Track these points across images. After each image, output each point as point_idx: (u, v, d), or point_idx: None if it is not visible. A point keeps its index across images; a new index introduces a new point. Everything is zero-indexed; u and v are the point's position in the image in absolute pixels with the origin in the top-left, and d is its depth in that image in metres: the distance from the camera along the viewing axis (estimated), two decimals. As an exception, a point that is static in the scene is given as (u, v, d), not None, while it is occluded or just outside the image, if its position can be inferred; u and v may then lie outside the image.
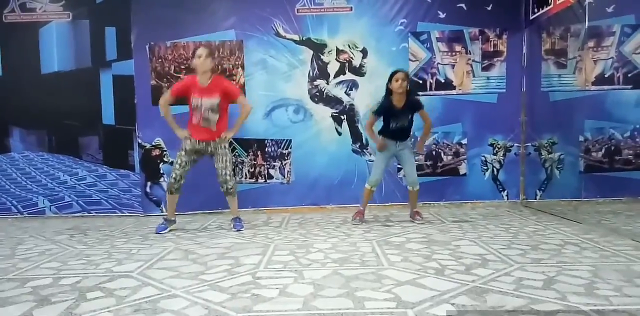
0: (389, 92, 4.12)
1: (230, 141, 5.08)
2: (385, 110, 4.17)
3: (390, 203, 5.14)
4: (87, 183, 5.19)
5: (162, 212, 5.07)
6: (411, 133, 4.32)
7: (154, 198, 5.17)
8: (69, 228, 4.47)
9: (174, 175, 4.02)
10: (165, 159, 5.13)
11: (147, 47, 5.03)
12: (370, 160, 5.16)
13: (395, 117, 4.14)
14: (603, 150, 5.09)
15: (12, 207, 5.18)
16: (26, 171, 5.20)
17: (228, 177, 4.03)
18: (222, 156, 4.01)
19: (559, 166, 5.16)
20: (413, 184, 4.27)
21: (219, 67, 5.05)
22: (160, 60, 5.04)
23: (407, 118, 4.17)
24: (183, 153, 4.02)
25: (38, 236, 4.07)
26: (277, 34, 5.07)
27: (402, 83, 4.03)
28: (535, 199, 5.21)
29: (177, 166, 4.01)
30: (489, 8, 5.05)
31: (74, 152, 5.19)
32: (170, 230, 4.13)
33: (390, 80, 4.09)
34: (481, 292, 2.20)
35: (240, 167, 5.21)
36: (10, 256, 3.28)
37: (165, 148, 5.10)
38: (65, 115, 5.12)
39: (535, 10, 4.81)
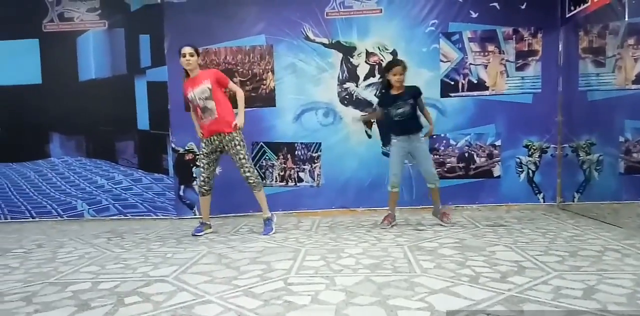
0: (387, 83, 4.19)
1: (260, 144, 5.16)
2: (384, 97, 4.25)
3: (421, 206, 5.08)
4: (123, 187, 5.32)
5: (195, 214, 5.15)
6: (421, 126, 4.21)
7: (187, 202, 5.26)
8: (107, 231, 4.59)
9: (201, 178, 4.14)
10: (197, 163, 5.21)
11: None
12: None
13: (396, 105, 4.12)
14: (644, 151, 4.90)
15: (52, 210, 5.35)
16: (65, 175, 5.37)
17: (248, 173, 4.04)
18: (234, 155, 4.03)
19: (598, 167, 5.00)
20: (433, 180, 4.19)
21: (250, 71, 5.10)
22: (192, 65, 5.12)
23: (407, 104, 4.11)
24: (202, 156, 4.13)
25: (77, 239, 4.20)
26: (307, 38, 5.08)
27: (400, 78, 4.08)
28: (573, 202, 5.06)
29: (202, 169, 4.12)
30: (523, 7, 4.93)
31: (111, 156, 5.33)
32: (206, 234, 4.21)
33: (387, 71, 4.12)
34: (518, 302, 2.15)
35: (270, 170, 5.24)
36: (52, 259, 3.39)
37: (198, 152, 5.18)
38: (102, 121, 5.27)
39: (572, 8, 4.68)
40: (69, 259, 3.38)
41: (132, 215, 5.30)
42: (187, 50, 3.98)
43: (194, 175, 5.22)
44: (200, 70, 4.07)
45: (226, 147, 4.03)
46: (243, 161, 4.02)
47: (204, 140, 4.09)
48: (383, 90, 4.34)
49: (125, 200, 5.31)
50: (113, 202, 5.32)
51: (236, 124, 3.99)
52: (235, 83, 4.98)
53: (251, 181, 4.06)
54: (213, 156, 4.10)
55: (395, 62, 4.19)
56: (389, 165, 4.28)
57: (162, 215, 5.27)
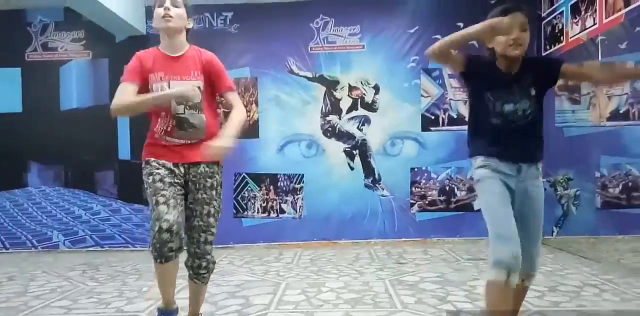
0: (492, 54, 2.08)
1: (243, 175, 5.14)
2: (480, 67, 2.08)
3: (403, 239, 5.07)
4: (101, 218, 5.22)
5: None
6: (543, 148, 2.15)
7: (167, 233, 5.17)
8: (82, 263, 4.48)
9: (164, 225, 2.10)
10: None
11: (163, 84, 5.14)
12: (383, 195, 5.14)
13: (502, 93, 2.03)
14: (620, 186, 5.00)
15: (26, 241, 5.21)
16: (42, 205, 5.25)
17: (209, 246, 2.30)
18: (201, 204, 2.28)
19: (576, 202, 5.08)
20: (530, 269, 2.06)
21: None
22: (176, 96, 5.15)
23: (528, 95, 2.03)
24: (158, 184, 2.22)
25: (51, 271, 4.08)
26: (291, 71, 5.16)
27: (523, 36, 1.98)
28: (552, 236, 5.11)
29: (161, 207, 2.14)
30: (500, 45, 5.10)
31: (90, 186, 5.25)
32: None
33: (493, 29, 1.87)
34: (497, 339, 2.13)
35: (252, 201, 5.21)
36: (22, 293, 3.28)
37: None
38: (83, 150, 5.21)
39: (548, 47, 4.86)
40: (41, 293, 3.28)
41: (109, 247, 5.18)
42: None
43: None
44: (190, 46, 2.35)
45: (195, 186, 2.26)
46: (212, 219, 2.28)
47: (159, 163, 2.23)
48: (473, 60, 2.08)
49: (103, 231, 5.20)
50: (90, 233, 5.21)
51: (221, 146, 2.13)
52: (218, 113, 4.98)
53: (209, 265, 2.33)
54: (177, 188, 2.24)
55: (515, 7, 2.00)
56: (488, 217, 1.99)
57: (140, 247, 5.16)
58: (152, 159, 2.23)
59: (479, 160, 2.05)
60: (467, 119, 2.20)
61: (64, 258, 4.79)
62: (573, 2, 4.15)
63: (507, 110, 2.01)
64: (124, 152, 5.19)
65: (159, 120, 2.22)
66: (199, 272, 2.30)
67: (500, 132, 2.02)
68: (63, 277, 3.82)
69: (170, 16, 2.17)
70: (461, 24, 4.99)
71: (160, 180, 2.18)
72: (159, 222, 2.08)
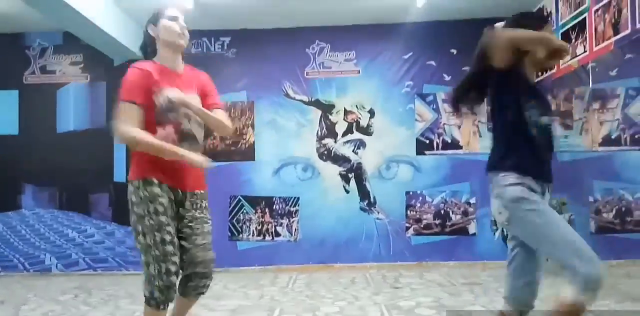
0: (519, 57, 1.89)
1: (238, 198, 5.14)
2: (514, 80, 1.90)
3: (398, 263, 5.05)
4: (95, 240, 5.18)
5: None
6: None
7: (161, 256, 5.13)
8: (74, 286, 4.42)
9: (172, 268, 2.02)
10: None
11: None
12: (378, 218, 5.14)
13: (539, 103, 1.94)
14: (614, 211, 5.03)
15: (19, 264, 5.15)
16: (35, 228, 5.21)
17: (212, 264, 2.21)
18: (199, 225, 2.18)
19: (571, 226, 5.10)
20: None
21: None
22: (173, 119, 5.19)
23: (550, 108, 2.04)
24: (162, 219, 2.06)
25: (43, 295, 4.03)
26: (287, 95, 5.23)
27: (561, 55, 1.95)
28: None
29: (167, 248, 2.03)
30: (493, 71, 5.18)
31: (84, 208, 5.23)
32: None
33: (532, 28, 1.88)
34: (494, 366, 2.11)
35: (247, 224, 5.20)
36: (13, 318, 3.24)
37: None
38: (78, 172, 5.20)
39: (539, 73, 4.95)
40: (32, 318, 3.23)
41: (102, 270, 5.13)
42: (177, 10, 2.23)
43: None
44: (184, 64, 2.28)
45: (193, 205, 2.16)
46: (211, 237, 2.21)
47: (163, 188, 2.08)
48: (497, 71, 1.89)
49: (96, 254, 5.16)
50: (83, 256, 5.16)
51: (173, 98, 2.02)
52: (214, 136, 4.98)
53: (209, 282, 2.23)
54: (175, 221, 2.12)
55: (545, 17, 2.07)
56: (557, 236, 1.82)
57: (134, 270, 5.11)
58: (155, 180, 2.04)
59: (512, 176, 1.86)
60: (492, 130, 2.00)
61: (56, 282, 4.73)
62: (564, 30, 4.25)
63: (544, 122, 1.91)
64: (120, 174, 5.19)
65: (159, 131, 2.05)
66: (202, 291, 2.19)
67: (536, 146, 1.90)
68: (55, 301, 3.77)
69: (185, 34, 2.17)
70: (454, 51, 5.13)
71: (164, 213, 2.03)
72: (167, 264, 1.97)
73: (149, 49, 2.22)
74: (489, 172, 1.94)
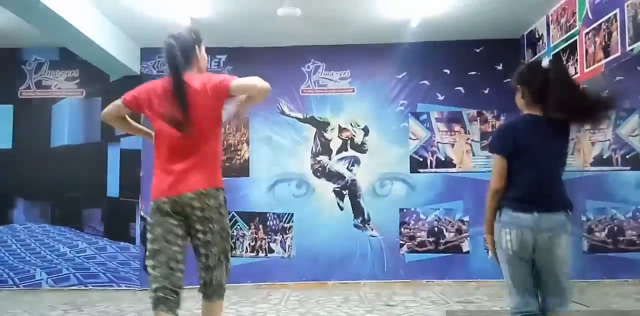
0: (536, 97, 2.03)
1: (232, 214, 5.12)
2: (514, 127, 2.10)
3: (392, 280, 5.04)
4: (86, 256, 5.14)
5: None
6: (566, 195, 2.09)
7: (153, 272, 5.09)
8: (64, 302, 4.38)
9: (170, 285, 2.15)
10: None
11: (156, 122, 5.21)
12: (372, 236, 5.14)
13: (539, 141, 2.03)
14: (606, 230, 5.07)
15: (8, 279, 5.09)
16: (26, 242, 5.17)
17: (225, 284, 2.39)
18: (209, 245, 2.33)
19: (563, 245, 5.11)
20: (559, 305, 2.05)
21: (225, 142, 5.19)
22: (168, 135, 5.20)
23: (561, 147, 2.12)
24: (167, 237, 2.27)
25: (31, 311, 3.99)
26: (282, 112, 5.26)
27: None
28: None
29: (169, 262, 2.18)
30: (486, 91, 5.24)
31: (76, 223, 5.20)
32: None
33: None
34: None
35: (241, 240, 5.18)
36: (2, 335, 3.20)
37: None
38: (71, 187, 5.19)
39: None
40: (21, 335, 3.19)
41: (92, 286, 5.07)
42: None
43: (162, 245, 5.10)
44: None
45: (197, 224, 2.20)
46: (222, 257, 2.34)
47: (161, 202, 2.19)
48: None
49: (87, 270, 5.11)
50: (74, 271, 5.11)
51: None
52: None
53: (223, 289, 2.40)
54: (180, 235, 2.23)
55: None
56: (508, 288, 2.17)
57: (125, 286, 5.07)
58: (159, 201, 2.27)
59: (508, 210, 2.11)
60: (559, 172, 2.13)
61: (46, 297, 4.68)
62: (555, 52, 4.33)
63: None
64: (113, 189, 5.18)
65: (165, 145, 2.33)
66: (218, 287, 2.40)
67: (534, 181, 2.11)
68: (44, 318, 3.72)
69: None
70: (447, 71, 5.20)
71: (163, 231, 2.28)
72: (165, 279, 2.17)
73: (187, 64, 2.25)
74: (570, 211, 2.08)
